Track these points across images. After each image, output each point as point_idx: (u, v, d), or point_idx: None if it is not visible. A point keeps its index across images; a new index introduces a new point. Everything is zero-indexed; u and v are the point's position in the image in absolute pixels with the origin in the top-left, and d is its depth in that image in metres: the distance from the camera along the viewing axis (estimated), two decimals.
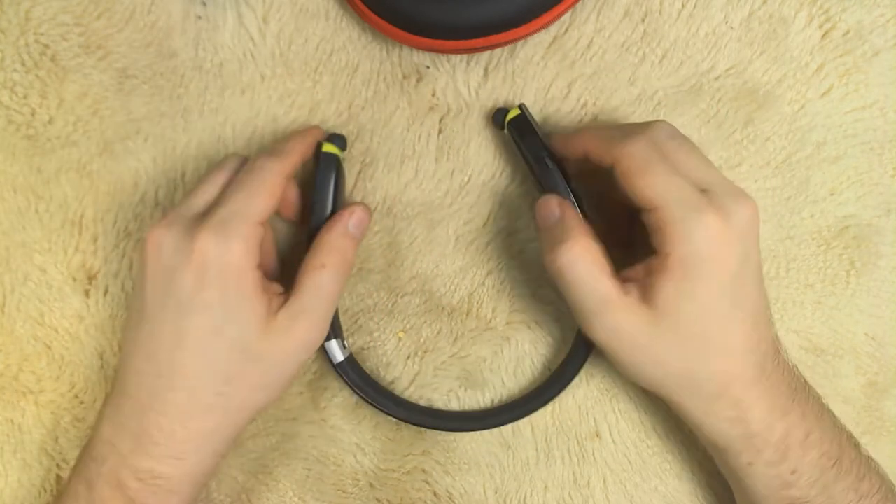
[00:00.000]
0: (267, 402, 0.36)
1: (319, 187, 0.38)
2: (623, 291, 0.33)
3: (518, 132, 0.38)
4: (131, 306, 0.36)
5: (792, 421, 0.34)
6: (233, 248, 0.33)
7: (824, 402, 0.37)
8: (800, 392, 0.35)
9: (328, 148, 0.38)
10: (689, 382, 0.34)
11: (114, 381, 0.37)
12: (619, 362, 0.35)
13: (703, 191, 0.32)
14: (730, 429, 0.34)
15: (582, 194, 0.38)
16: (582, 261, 0.33)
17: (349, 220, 0.37)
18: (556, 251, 0.33)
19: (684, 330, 0.33)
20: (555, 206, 0.36)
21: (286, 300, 0.35)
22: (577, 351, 0.40)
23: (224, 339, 0.33)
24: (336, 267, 0.35)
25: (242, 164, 0.37)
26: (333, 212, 0.38)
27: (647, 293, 0.33)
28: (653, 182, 0.32)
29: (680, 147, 0.34)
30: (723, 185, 0.33)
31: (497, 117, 0.40)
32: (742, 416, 0.33)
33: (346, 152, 0.40)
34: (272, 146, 0.37)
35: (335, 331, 0.39)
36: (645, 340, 0.33)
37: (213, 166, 0.39)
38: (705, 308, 0.32)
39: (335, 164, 0.38)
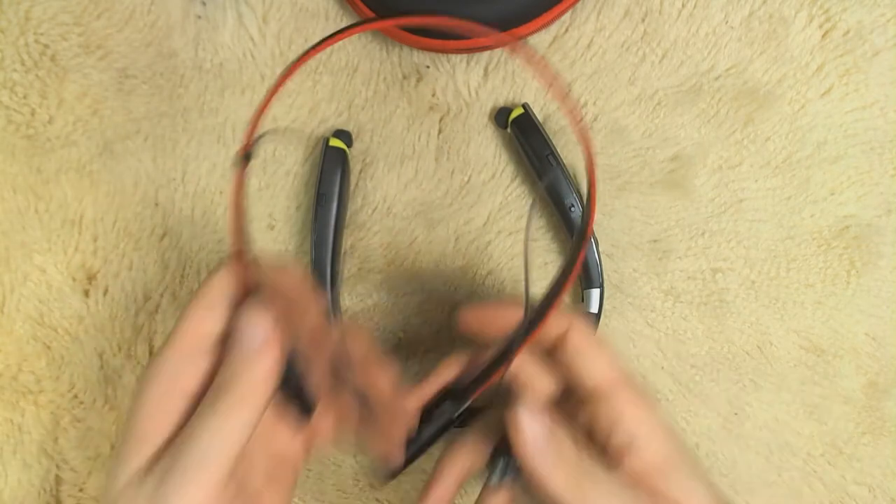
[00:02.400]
0: None
1: (325, 182, 0.38)
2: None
3: (521, 131, 0.38)
4: None
5: None
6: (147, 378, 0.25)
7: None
8: None
9: (335, 143, 0.38)
10: None
11: None
12: None
13: None
14: None
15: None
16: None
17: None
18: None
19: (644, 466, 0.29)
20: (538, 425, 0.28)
21: None
22: None
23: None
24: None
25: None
26: (339, 206, 0.38)
27: (657, 494, 0.28)
28: (605, 355, 0.30)
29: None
30: None
31: (500, 116, 0.40)
32: None
33: (350, 148, 0.41)
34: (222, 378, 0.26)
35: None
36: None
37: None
38: (707, 481, 0.29)
39: (341, 158, 0.38)
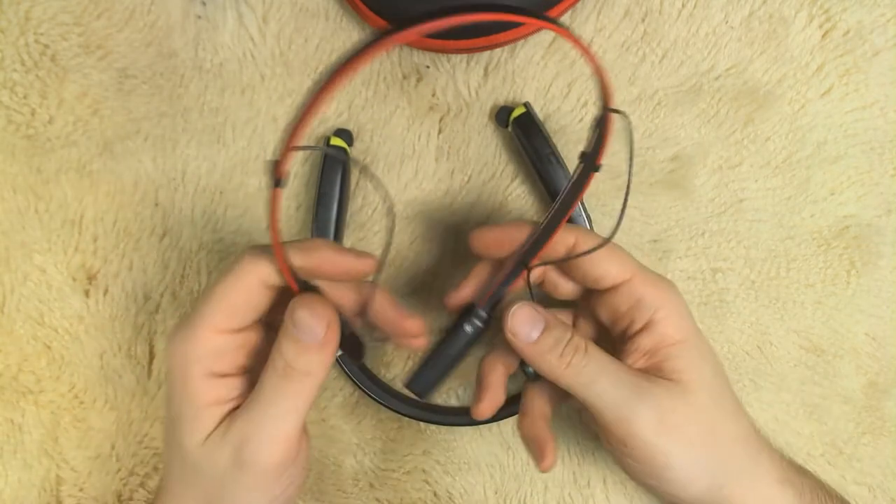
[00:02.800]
0: None
1: (326, 181, 0.38)
2: (644, 374, 0.32)
3: (523, 130, 0.38)
4: None
5: (809, 475, 0.35)
6: (172, 351, 0.29)
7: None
8: None
9: (335, 141, 0.39)
10: (735, 448, 0.32)
11: None
12: (666, 449, 0.31)
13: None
14: (783, 493, 0.33)
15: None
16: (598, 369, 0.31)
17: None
18: (569, 368, 0.31)
19: (714, 391, 0.32)
20: (538, 316, 0.32)
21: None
22: None
23: (173, 439, 0.30)
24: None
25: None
26: (339, 206, 0.38)
27: (663, 370, 0.32)
28: (619, 255, 0.33)
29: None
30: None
31: (501, 115, 0.40)
32: (786, 475, 0.33)
33: (351, 147, 0.41)
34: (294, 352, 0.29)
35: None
36: (687, 413, 0.31)
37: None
38: (715, 365, 0.32)
39: (342, 157, 0.38)
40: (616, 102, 0.41)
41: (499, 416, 0.41)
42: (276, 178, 0.25)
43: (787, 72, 0.40)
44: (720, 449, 0.32)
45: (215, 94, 0.41)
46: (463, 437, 0.43)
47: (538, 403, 0.35)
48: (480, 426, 0.42)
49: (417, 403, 0.41)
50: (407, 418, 0.41)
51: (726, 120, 0.41)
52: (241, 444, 0.29)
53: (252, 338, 0.31)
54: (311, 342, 0.28)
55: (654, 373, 0.32)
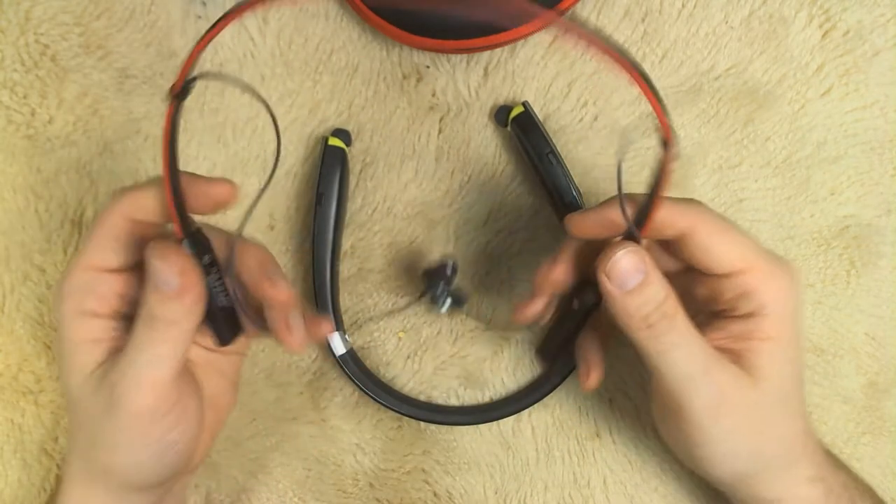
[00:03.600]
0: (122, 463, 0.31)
1: (325, 181, 0.38)
2: (720, 356, 0.31)
3: (522, 129, 0.38)
4: None
5: (845, 474, 0.34)
6: (54, 290, 0.31)
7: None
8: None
9: (334, 142, 0.38)
10: (778, 448, 0.32)
11: None
12: (712, 433, 0.31)
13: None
14: (810, 492, 0.33)
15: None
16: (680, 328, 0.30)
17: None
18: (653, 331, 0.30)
19: (783, 393, 0.31)
20: (640, 263, 0.30)
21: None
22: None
23: (60, 378, 0.32)
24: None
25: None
26: (339, 206, 0.38)
27: (742, 359, 0.31)
28: (738, 242, 0.30)
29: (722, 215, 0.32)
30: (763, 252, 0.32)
31: (500, 115, 0.40)
32: (821, 474, 0.33)
33: (350, 147, 0.41)
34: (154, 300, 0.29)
35: (337, 323, 0.39)
36: (747, 407, 0.31)
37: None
38: (798, 368, 0.32)
39: (341, 157, 0.38)
40: (616, 102, 0.41)
41: (499, 415, 0.41)
42: (174, 91, 0.25)
43: (787, 72, 0.40)
44: (762, 445, 0.32)
45: (215, 94, 0.41)
46: (463, 437, 0.43)
47: (593, 336, 0.35)
48: (480, 426, 0.42)
49: (417, 403, 0.41)
50: (407, 418, 0.41)
51: (726, 120, 0.41)
52: (112, 386, 0.29)
53: (130, 282, 0.31)
54: (168, 290, 0.28)
55: (732, 358, 0.31)
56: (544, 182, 0.39)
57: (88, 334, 0.30)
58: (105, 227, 0.30)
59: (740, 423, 0.31)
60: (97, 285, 0.30)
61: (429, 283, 0.37)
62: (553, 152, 0.38)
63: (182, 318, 0.29)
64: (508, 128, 0.39)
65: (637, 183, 0.41)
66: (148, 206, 0.29)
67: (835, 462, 0.34)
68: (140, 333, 0.29)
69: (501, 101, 0.41)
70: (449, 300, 0.37)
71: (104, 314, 0.30)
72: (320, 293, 0.39)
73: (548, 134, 0.38)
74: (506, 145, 0.41)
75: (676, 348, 0.30)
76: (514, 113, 0.38)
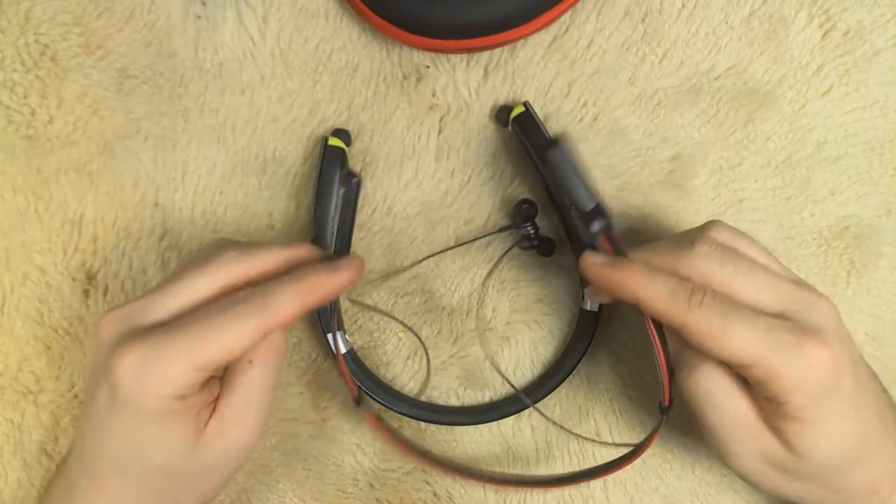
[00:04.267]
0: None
1: (324, 182, 0.38)
2: (763, 420, 0.31)
3: (522, 129, 0.38)
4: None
5: None
6: (149, 387, 0.29)
7: None
8: None
9: (333, 142, 0.38)
10: (836, 498, 0.33)
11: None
12: (762, 488, 0.33)
13: (780, 315, 0.30)
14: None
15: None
16: (720, 384, 0.31)
17: None
18: (695, 374, 0.31)
19: (827, 463, 0.31)
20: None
21: (215, 407, 0.31)
22: (576, 342, 0.40)
23: (146, 464, 0.30)
24: (265, 359, 0.32)
25: (241, 275, 0.32)
26: (338, 207, 0.38)
27: (780, 435, 0.31)
28: (735, 343, 0.29)
29: (738, 262, 0.31)
30: (794, 292, 0.31)
31: (501, 114, 0.40)
32: None
33: (350, 147, 0.41)
34: (268, 288, 0.31)
35: (338, 323, 0.39)
36: (787, 471, 0.32)
37: (202, 255, 0.33)
38: (841, 436, 0.31)
39: (340, 157, 0.38)
40: (616, 102, 0.41)
41: (498, 416, 0.41)
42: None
43: (787, 72, 0.40)
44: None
45: (215, 94, 0.41)
46: (463, 437, 0.43)
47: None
48: (480, 426, 0.42)
49: (418, 403, 0.41)
50: (407, 418, 0.41)
51: (726, 120, 0.41)
52: (219, 434, 0.32)
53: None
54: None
55: (775, 432, 0.31)
56: (545, 183, 0.39)
57: (188, 409, 0.30)
58: (236, 338, 0.30)
59: (783, 483, 0.32)
60: (202, 380, 0.30)
61: (522, 219, 0.40)
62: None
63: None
64: (509, 127, 0.39)
65: (637, 183, 0.41)
66: (291, 319, 0.31)
67: None
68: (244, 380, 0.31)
69: (501, 101, 0.41)
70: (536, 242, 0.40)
71: (192, 394, 0.31)
72: None
73: (549, 134, 0.38)
74: (506, 145, 0.41)
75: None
76: (514, 112, 0.38)
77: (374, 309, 0.42)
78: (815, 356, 0.29)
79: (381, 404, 0.40)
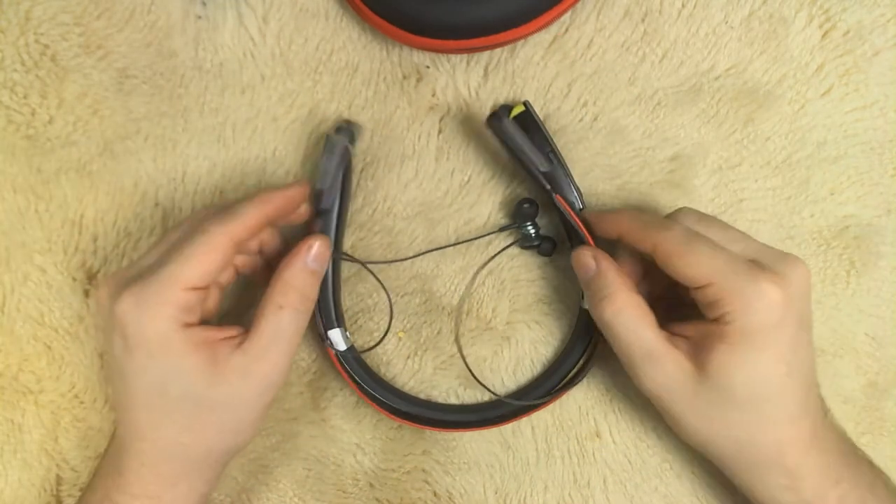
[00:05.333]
0: (238, 444, 0.36)
1: (326, 177, 0.38)
2: (671, 344, 0.33)
3: (523, 129, 0.38)
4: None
5: (845, 489, 0.34)
6: (147, 318, 0.32)
7: (874, 464, 0.37)
8: (850, 455, 0.35)
9: (336, 138, 0.38)
10: (739, 449, 0.34)
11: None
12: (667, 414, 0.35)
13: (752, 260, 0.33)
14: (782, 496, 0.34)
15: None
16: (625, 314, 0.34)
17: (307, 256, 0.35)
18: (600, 306, 0.34)
19: (736, 398, 0.32)
20: (590, 260, 0.36)
21: (240, 343, 0.34)
22: (576, 342, 0.40)
23: (170, 395, 0.33)
24: (295, 306, 0.34)
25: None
26: (342, 200, 0.38)
27: (698, 354, 0.33)
28: (697, 261, 0.32)
29: (712, 225, 0.35)
30: (768, 251, 0.34)
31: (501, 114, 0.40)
32: (795, 484, 0.33)
33: (356, 143, 0.40)
34: (226, 204, 0.35)
35: (338, 320, 0.39)
36: (691, 396, 0.33)
37: (172, 226, 0.38)
38: (760, 378, 0.32)
39: (343, 153, 0.38)
40: (616, 102, 0.41)
41: (499, 419, 0.41)
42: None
43: (787, 72, 0.40)
44: (715, 439, 0.34)
45: (215, 94, 0.41)
46: (463, 437, 0.43)
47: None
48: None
49: (418, 403, 0.41)
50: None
51: (726, 120, 0.41)
52: (250, 363, 0.34)
53: (216, 294, 0.36)
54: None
55: (689, 349, 0.33)
56: (546, 182, 0.39)
57: (198, 340, 0.33)
58: (210, 249, 0.33)
59: (685, 410, 0.34)
60: (197, 303, 0.33)
61: (522, 218, 0.40)
62: (554, 152, 0.38)
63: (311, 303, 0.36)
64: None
65: (637, 183, 0.41)
66: (254, 227, 0.34)
67: (836, 477, 0.34)
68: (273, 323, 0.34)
69: (501, 101, 0.41)
70: (539, 242, 0.40)
71: (197, 322, 0.34)
72: (322, 290, 0.39)
73: (548, 133, 0.38)
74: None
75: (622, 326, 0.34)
76: (514, 112, 0.38)
77: (361, 264, 0.42)
78: (769, 291, 0.31)
79: (382, 403, 0.40)
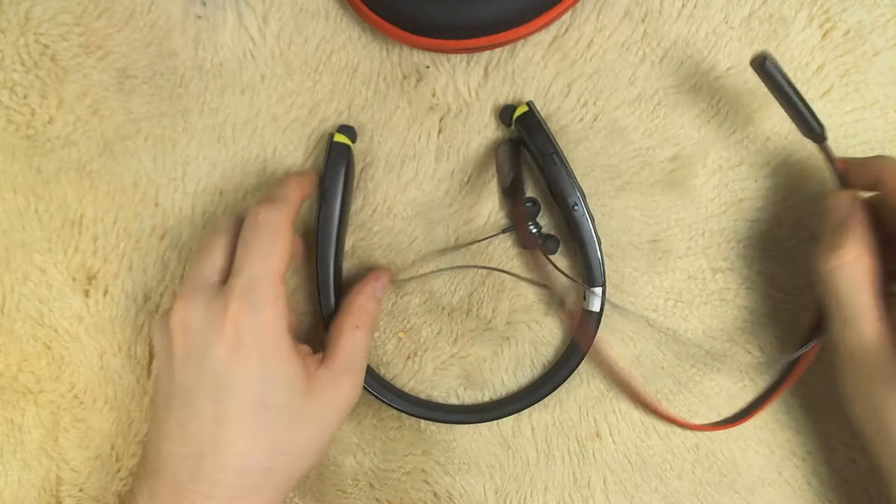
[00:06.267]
0: (309, 469, 0.36)
1: (330, 177, 0.38)
2: (880, 314, 0.32)
3: (526, 129, 0.38)
4: (159, 389, 0.34)
5: None
6: (266, 315, 0.32)
7: None
8: None
9: (339, 138, 0.38)
10: None
11: (142, 462, 0.34)
12: (846, 382, 0.34)
13: None
14: None
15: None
16: (848, 270, 0.33)
17: (376, 285, 0.39)
18: (828, 254, 0.33)
19: None
20: (845, 206, 0.35)
21: (322, 360, 0.35)
22: (576, 342, 0.40)
23: (270, 409, 0.32)
24: (368, 327, 0.37)
25: (237, 223, 0.36)
26: (343, 203, 0.38)
27: None
28: None
29: None
30: None
31: (504, 114, 0.40)
32: None
33: (356, 143, 0.41)
34: (268, 193, 0.36)
35: None
36: (881, 367, 0.32)
37: (208, 233, 0.39)
38: None
39: (346, 154, 0.38)
40: (616, 102, 0.41)
41: (499, 414, 0.41)
42: None
43: (787, 72, 0.40)
44: None
45: (215, 94, 0.41)
46: (463, 437, 0.43)
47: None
48: (480, 426, 0.42)
49: (419, 402, 0.41)
50: (408, 418, 0.41)
51: (726, 120, 0.41)
52: (332, 386, 0.35)
53: None
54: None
55: None
56: (547, 182, 0.39)
57: (296, 349, 0.34)
58: (282, 237, 0.33)
59: (869, 381, 0.33)
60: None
61: (522, 218, 0.40)
62: (557, 152, 0.38)
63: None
64: (512, 127, 0.39)
65: (637, 183, 0.41)
66: (298, 208, 0.36)
67: None
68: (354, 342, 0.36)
69: (501, 102, 0.41)
70: (542, 241, 0.40)
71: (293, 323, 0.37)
72: (323, 289, 0.39)
73: (551, 133, 0.38)
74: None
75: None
76: (518, 112, 0.38)
77: None
78: None
79: (382, 401, 0.40)
